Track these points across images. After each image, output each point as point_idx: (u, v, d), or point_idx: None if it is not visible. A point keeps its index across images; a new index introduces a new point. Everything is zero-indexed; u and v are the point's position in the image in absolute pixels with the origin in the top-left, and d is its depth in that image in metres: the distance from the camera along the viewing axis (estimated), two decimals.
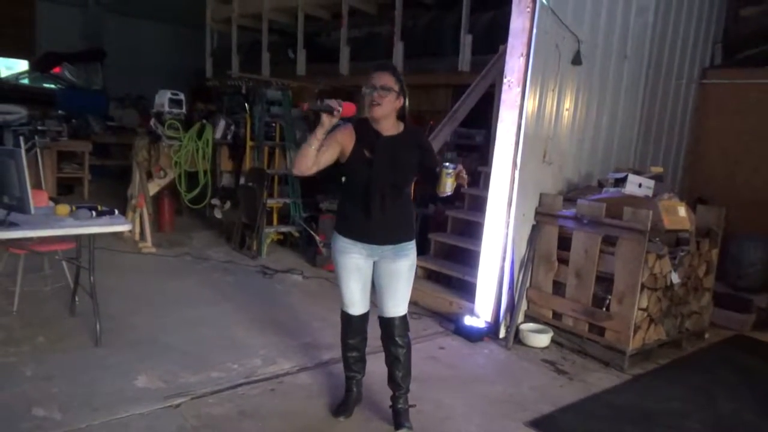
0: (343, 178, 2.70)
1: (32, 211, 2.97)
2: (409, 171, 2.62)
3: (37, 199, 3.68)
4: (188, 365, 3.30)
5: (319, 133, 2.42)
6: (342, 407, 2.92)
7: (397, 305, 2.73)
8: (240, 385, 3.14)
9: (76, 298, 3.89)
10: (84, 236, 3.43)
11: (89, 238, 3.38)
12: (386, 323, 2.75)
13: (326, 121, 2.40)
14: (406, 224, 2.69)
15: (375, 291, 2.80)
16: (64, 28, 11.19)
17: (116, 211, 3.52)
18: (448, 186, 2.45)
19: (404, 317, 2.76)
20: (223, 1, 9.25)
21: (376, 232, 2.61)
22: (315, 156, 2.45)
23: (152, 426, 2.69)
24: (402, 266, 2.67)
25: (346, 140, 2.56)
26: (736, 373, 3.92)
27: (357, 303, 2.77)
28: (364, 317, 2.82)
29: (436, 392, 3.24)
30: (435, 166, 2.57)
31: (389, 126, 2.58)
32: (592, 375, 3.70)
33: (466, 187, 2.54)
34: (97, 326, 3.43)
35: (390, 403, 2.83)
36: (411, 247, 2.71)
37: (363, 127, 2.58)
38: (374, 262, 2.71)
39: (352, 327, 2.82)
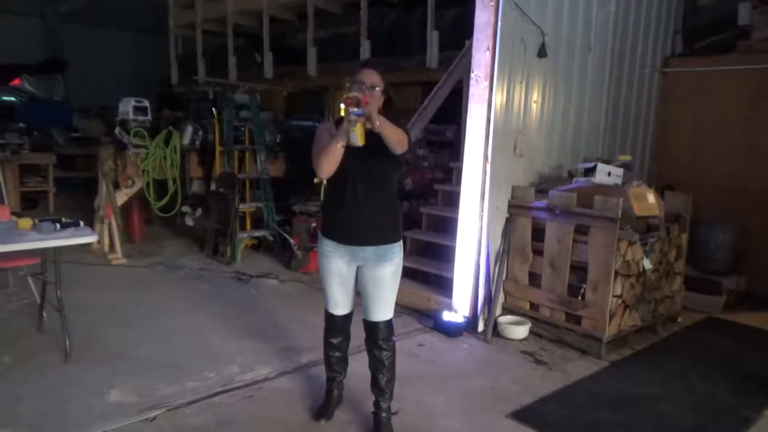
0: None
1: None
2: (387, 160, 2.49)
3: None
4: (163, 377, 3.22)
5: (348, 126, 2.30)
6: (322, 410, 2.88)
7: (381, 311, 2.65)
8: (217, 393, 3.08)
9: (44, 314, 3.77)
10: (49, 250, 3.32)
11: (54, 251, 3.28)
12: (371, 327, 2.68)
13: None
14: (387, 224, 2.58)
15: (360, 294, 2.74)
16: (22, 39, 10.89)
17: (81, 223, 3.42)
18: (353, 137, 2.25)
19: (389, 322, 2.69)
20: (185, 6, 9.09)
21: (356, 231, 2.52)
22: (342, 153, 2.38)
23: None
24: (385, 273, 2.59)
25: (330, 132, 2.50)
26: (709, 355, 4.00)
27: (340, 305, 2.72)
28: (347, 317, 2.78)
29: (417, 389, 3.22)
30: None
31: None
32: (571, 364, 3.73)
33: (373, 119, 2.25)
34: (66, 342, 3.33)
35: (372, 409, 2.76)
36: (395, 250, 2.61)
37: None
38: (358, 267, 2.63)
39: (335, 327, 2.78)
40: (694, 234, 4.99)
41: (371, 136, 2.44)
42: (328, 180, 2.57)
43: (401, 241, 2.68)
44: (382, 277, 2.60)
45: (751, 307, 5.01)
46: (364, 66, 2.54)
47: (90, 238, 3.33)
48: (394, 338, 2.73)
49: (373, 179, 2.51)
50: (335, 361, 2.86)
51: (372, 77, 2.46)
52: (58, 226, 3.26)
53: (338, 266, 2.62)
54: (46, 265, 3.57)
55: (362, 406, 2.95)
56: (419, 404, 3.08)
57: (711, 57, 5.51)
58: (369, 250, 2.56)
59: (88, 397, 2.96)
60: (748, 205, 5.22)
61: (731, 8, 5.40)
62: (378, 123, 2.28)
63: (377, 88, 2.46)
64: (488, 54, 3.96)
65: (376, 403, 2.74)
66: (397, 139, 2.39)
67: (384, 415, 2.72)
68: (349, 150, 2.40)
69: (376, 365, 2.70)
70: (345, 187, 2.50)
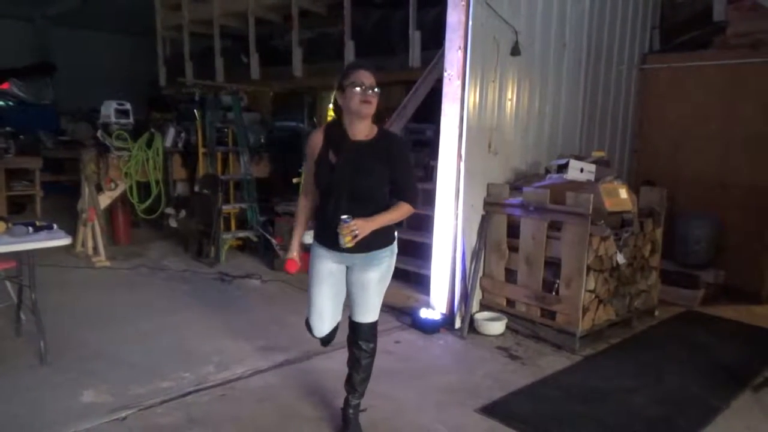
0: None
1: None
2: (375, 179, 2.46)
3: None
4: (138, 377, 3.25)
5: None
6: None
7: (365, 313, 2.65)
8: (190, 393, 3.11)
9: (22, 317, 3.79)
10: (23, 253, 3.34)
11: (29, 254, 3.30)
12: (354, 326, 2.69)
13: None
14: (375, 233, 2.45)
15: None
16: (10, 43, 10.89)
17: (55, 226, 3.45)
18: (342, 239, 2.37)
19: (373, 324, 2.69)
20: (172, 9, 9.12)
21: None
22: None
23: None
24: (371, 278, 2.57)
25: (316, 144, 2.52)
26: (684, 348, 4.04)
27: (325, 316, 2.67)
28: (331, 334, 2.77)
29: (389, 386, 3.25)
30: (402, 186, 2.50)
31: (363, 128, 2.47)
32: (545, 358, 3.77)
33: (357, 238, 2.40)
34: (42, 344, 3.36)
35: (342, 405, 2.79)
36: (385, 255, 2.58)
37: (333, 130, 2.52)
38: (347, 267, 2.63)
39: (318, 339, 2.81)
40: (673, 228, 5.05)
41: (357, 151, 2.45)
42: (319, 191, 2.57)
43: (394, 244, 2.63)
44: (367, 282, 2.58)
45: (729, 300, 5.06)
46: (358, 67, 2.46)
47: (63, 241, 3.35)
48: (376, 341, 2.73)
49: (359, 197, 2.45)
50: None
51: (370, 78, 2.41)
52: (31, 229, 3.28)
53: (329, 266, 2.61)
54: (23, 268, 3.59)
55: (333, 403, 2.99)
56: (390, 400, 3.12)
57: (688, 53, 5.56)
58: (357, 257, 2.54)
59: (61, 399, 2.99)
60: (726, 199, 5.27)
61: (707, 4, 5.43)
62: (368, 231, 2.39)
63: (375, 89, 2.42)
64: (460, 53, 4.00)
65: (346, 400, 2.77)
66: (401, 216, 2.51)
67: (352, 411, 2.75)
68: (335, 168, 2.42)
69: (353, 363, 2.72)
70: (329, 202, 2.46)
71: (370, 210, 2.45)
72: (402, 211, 2.51)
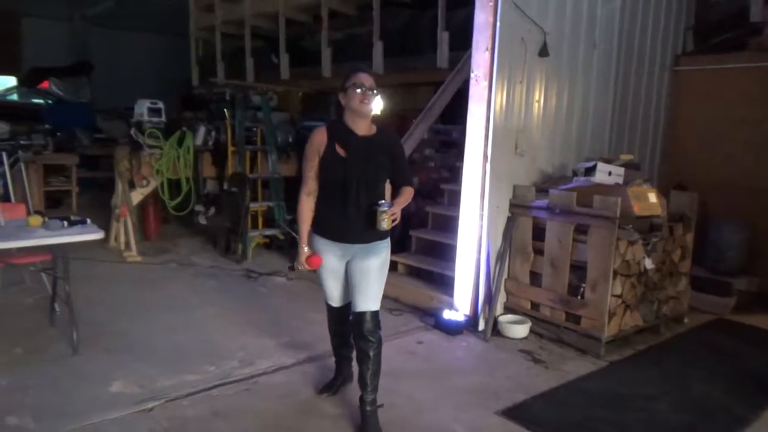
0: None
1: (1, 223, 3.01)
2: (382, 169, 2.72)
3: (14, 212, 3.76)
4: (165, 370, 3.33)
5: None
6: (326, 386, 3.16)
7: (367, 301, 2.74)
8: (215, 386, 3.17)
9: (56, 308, 3.92)
10: (57, 247, 3.46)
11: (63, 247, 3.42)
12: (357, 318, 2.77)
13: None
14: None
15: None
16: (50, 43, 11.26)
17: (88, 221, 3.56)
18: (383, 223, 2.58)
19: (375, 314, 2.76)
20: (205, 9, 9.30)
21: (351, 232, 2.69)
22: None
23: (123, 430, 2.73)
24: (372, 264, 2.73)
25: (320, 141, 2.69)
26: (711, 356, 3.95)
27: (335, 297, 2.94)
28: (345, 308, 2.96)
29: (410, 386, 3.27)
30: (403, 174, 2.78)
31: (364, 125, 2.70)
32: (569, 363, 3.73)
33: (396, 223, 2.66)
34: (74, 335, 3.47)
35: (359, 403, 2.81)
36: (383, 246, 2.78)
37: (337, 127, 2.72)
38: (347, 261, 2.78)
39: (334, 316, 3.04)
40: (704, 233, 4.93)
41: (365, 144, 2.68)
42: (324, 183, 2.72)
43: (388, 238, 2.82)
44: (369, 268, 2.73)
45: (762, 308, 4.91)
46: (358, 70, 2.70)
47: (95, 236, 3.45)
48: (380, 332, 2.78)
49: (369, 186, 2.67)
50: (338, 344, 3.13)
51: (369, 80, 2.65)
52: (65, 223, 3.40)
53: (330, 261, 2.79)
54: (57, 261, 3.72)
55: (353, 400, 3.00)
56: (410, 399, 3.13)
57: (723, 55, 5.41)
58: (359, 248, 2.73)
59: (91, 388, 3.09)
60: (761, 205, 5.12)
61: (744, 4, 5.29)
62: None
63: (374, 90, 2.65)
64: (487, 54, 3.98)
65: (361, 397, 2.80)
66: (410, 198, 2.78)
67: (369, 408, 2.77)
68: (347, 161, 2.62)
69: (361, 357, 2.78)
70: (340, 193, 2.65)
71: (376, 197, 2.68)
72: (409, 193, 2.79)
